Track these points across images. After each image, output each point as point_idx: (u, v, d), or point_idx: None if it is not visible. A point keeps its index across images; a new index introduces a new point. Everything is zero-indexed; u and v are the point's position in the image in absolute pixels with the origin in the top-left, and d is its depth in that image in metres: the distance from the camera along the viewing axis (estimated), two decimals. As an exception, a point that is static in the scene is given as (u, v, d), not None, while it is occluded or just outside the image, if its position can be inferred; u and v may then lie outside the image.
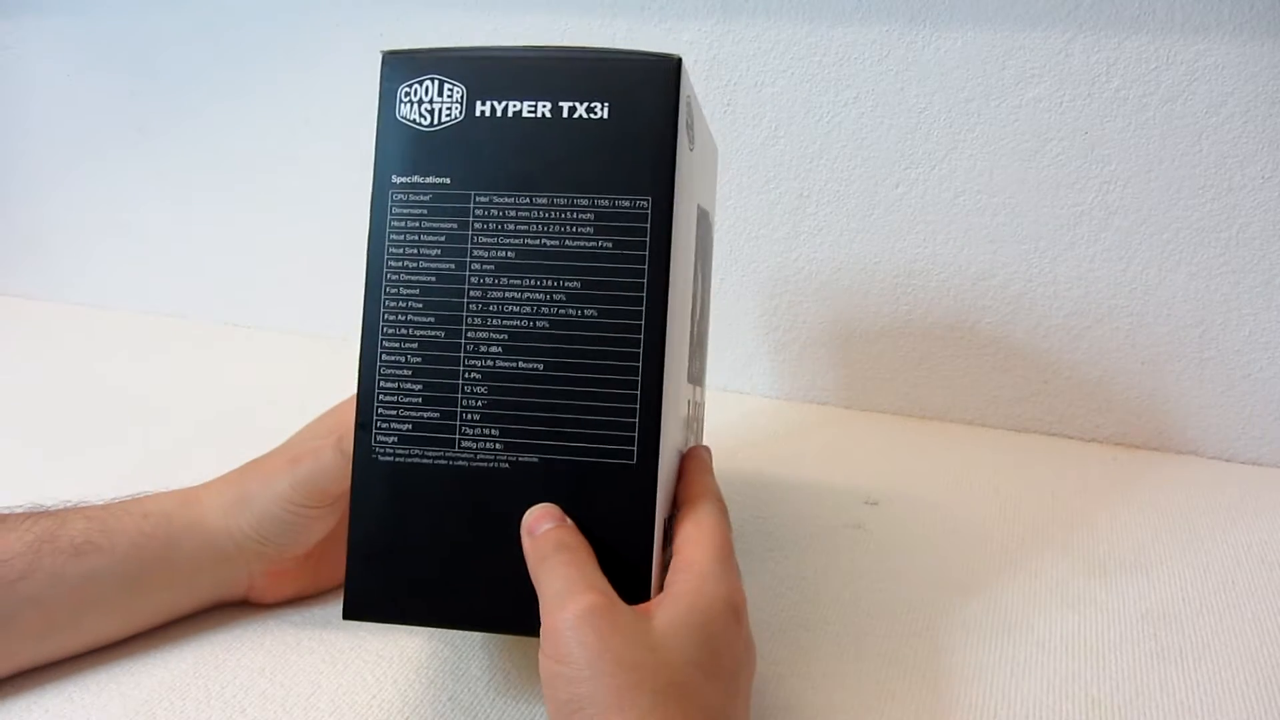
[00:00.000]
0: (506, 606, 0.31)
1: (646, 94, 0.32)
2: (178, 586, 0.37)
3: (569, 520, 0.31)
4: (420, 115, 0.33)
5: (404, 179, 0.33)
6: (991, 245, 0.57)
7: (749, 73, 0.59)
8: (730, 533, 0.33)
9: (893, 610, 0.41)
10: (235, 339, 0.75)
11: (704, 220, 0.41)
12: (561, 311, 0.32)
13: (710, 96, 0.60)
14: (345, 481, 0.34)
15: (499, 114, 0.33)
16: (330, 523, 0.37)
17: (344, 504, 0.37)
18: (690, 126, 0.35)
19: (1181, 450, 0.57)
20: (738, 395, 0.65)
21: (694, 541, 0.31)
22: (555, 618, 0.28)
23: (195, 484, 0.39)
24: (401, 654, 0.38)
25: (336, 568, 0.40)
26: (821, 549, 0.46)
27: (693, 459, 0.36)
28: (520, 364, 0.32)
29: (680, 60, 0.32)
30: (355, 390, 0.33)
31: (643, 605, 0.29)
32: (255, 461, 0.38)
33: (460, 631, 0.40)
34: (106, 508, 0.37)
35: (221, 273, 0.77)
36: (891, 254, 0.59)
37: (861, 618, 0.41)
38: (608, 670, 0.27)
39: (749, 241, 0.62)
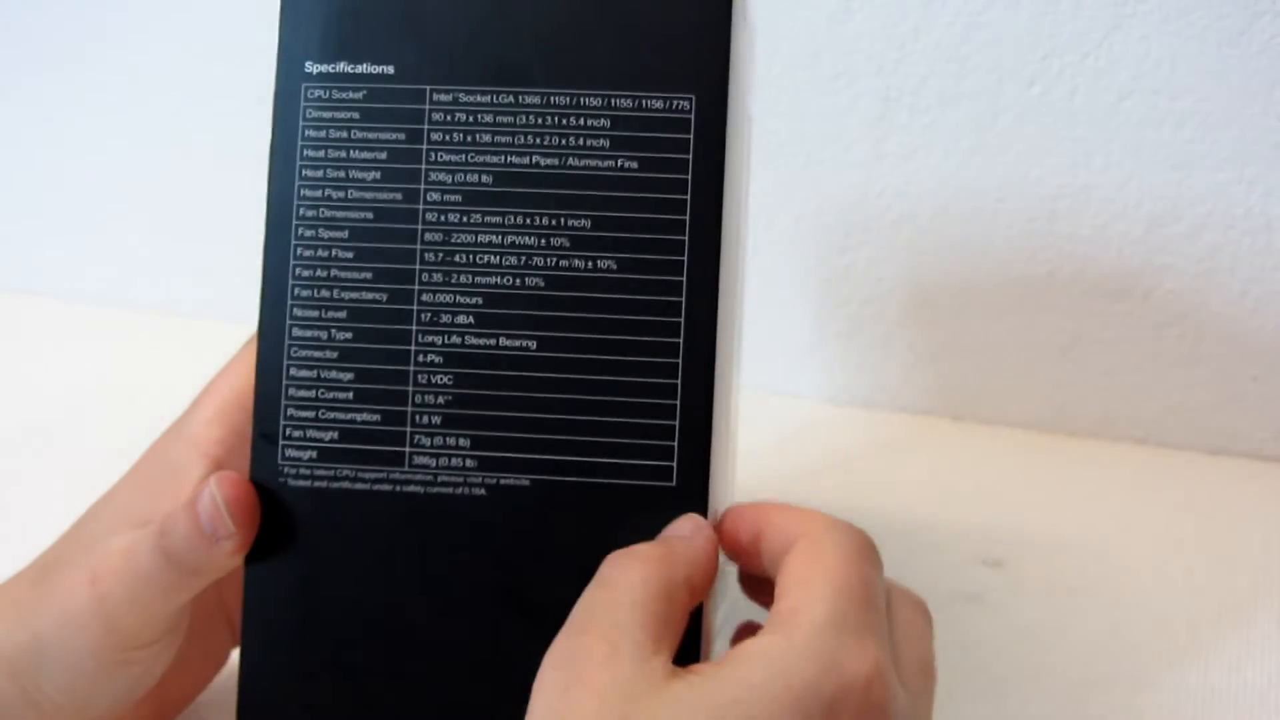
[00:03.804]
0: (480, 710, 0.32)
1: None
2: None
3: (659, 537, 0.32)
4: None
5: (324, 67, 0.33)
6: (1175, 173, 0.56)
7: (808, -84, 0.58)
8: (870, 573, 0.31)
9: (1026, 723, 0.41)
10: (71, 319, 0.75)
11: (748, 130, 0.41)
12: (564, 263, 0.33)
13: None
14: (180, 595, 0.34)
15: None
16: (175, 646, 0.36)
17: (188, 619, 0.36)
18: None
19: None
20: (791, 400, 0.64)
21: (803, 584, 0.30)
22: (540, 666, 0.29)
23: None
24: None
25: (201, 671, 0.40)
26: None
27: None
28: (502, 341, 0.33)
29: None
30: (253, 385, 0.33)
31: (694, 666, 0.29)
32: (42, 574, 0.36)
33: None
34: None
35: (40, 234, 0.76)
36: (1023, 187, 0.58)
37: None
38: None
39: (807, 168, 0.61)
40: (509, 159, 0.33)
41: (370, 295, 0.33)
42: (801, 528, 0.33)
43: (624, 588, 0.30)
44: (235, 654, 0.36)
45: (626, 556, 0.31)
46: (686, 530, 0.32)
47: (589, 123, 0.33)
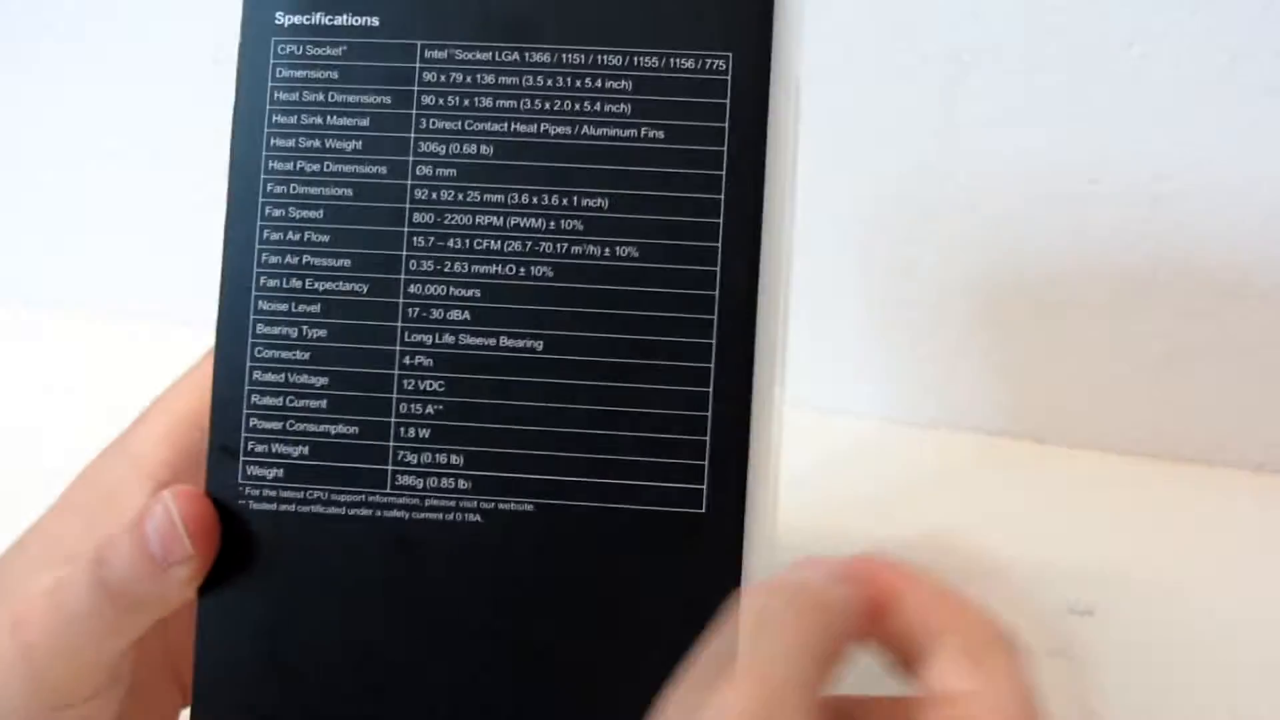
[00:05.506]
0: None
1: None
2: None
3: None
4: None
5: (297, 19, 0.32)
6: (1299, 150, 0.54)
7: None
8: (1034, 690, 0.29)
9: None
10: (63, 325, 0.76)
11: (794, 97, 0.40)
12: (576, 250, 0.32)
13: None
14: (120, 639, 0.33)
15: None
16: (117, 701, 0.34)
17: (129, 669, 0.34)
18: None
19: None
20: (843, 418, 0.61)
21: (975, 696, 0.28)
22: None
23: None
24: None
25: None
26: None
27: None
28: (503, 341, 0.32)
29: None
30: (210, 393, 0.33)
31: None
32: None
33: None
34: None
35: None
36: (1119, 167, 0.55)
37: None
38: None
39: (865, 143, 0.58)
40: (513, 127, 0.32)
41: (349, 286, 0.32)
42: (949, 622, 0.30)
43: (781, 633, 0.28)
44: (184, 716, 0.35)
45: (775, 594, 0.29)
46: (820, 574, 0.30)
47: (607, 85, 0.32)
